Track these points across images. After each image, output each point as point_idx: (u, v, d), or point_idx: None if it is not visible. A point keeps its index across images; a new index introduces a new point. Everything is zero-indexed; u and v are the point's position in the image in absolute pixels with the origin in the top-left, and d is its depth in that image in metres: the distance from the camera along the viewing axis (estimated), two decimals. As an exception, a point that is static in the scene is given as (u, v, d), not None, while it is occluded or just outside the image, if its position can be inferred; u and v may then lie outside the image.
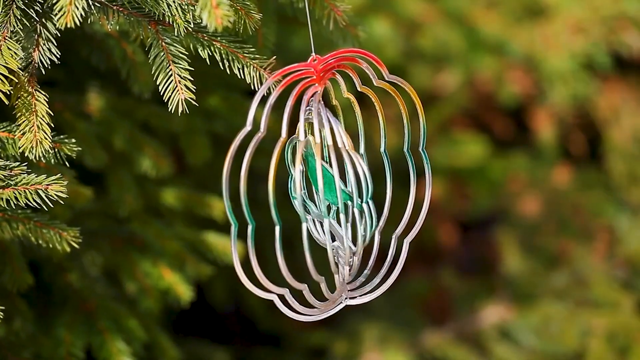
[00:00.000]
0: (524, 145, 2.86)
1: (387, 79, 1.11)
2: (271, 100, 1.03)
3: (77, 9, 1.06)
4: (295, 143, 1.11)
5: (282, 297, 1.09)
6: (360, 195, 1.09)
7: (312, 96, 1.07)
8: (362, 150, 1.13)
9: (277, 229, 1.02)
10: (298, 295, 1.10)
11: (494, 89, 2.75)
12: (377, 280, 1.15)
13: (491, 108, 2.89)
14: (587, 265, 2.45)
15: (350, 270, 1.12)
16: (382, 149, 1.15)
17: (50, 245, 1.22)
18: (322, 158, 1.08)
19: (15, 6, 1.13)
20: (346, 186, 1.10)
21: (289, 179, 1.12)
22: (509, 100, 2.72)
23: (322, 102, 1.08)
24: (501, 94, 2.71)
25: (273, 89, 1.05)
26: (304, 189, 1.12)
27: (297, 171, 1.04)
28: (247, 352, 2.35)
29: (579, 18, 2.65)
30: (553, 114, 2.81)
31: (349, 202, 1.10)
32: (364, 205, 1.10)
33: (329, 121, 1.07)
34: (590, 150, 2.88)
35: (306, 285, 1.08)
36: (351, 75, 1.10)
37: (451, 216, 2.85)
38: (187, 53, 1.13)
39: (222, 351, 2.06)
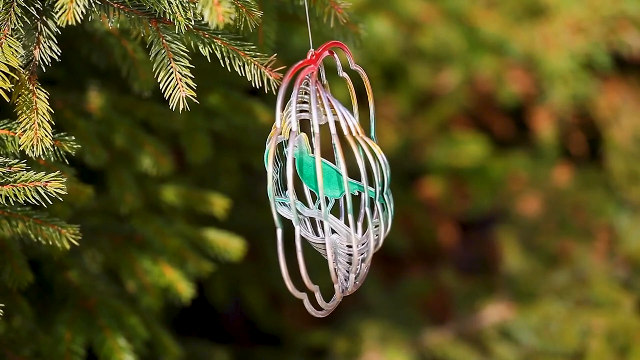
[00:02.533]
0: (524, 145, 2.86)
1: (352, 67, 1.12)
2: (294, 100, 1.03)
3: (78, 6, 1.06)
4: (282, 141, 1.08)
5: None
6: (373, 185, 1.06)
7: (308, 79, 1.06)
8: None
9: (279, 231, 1.01)
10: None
11: (494, 88, 2.75)
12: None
13: (491, 108, 2.89)
14: (587, 264, 2.45)
15: (356, 277, 1.09)
16: (372, 135, 1.14)
17: (50, 243, 1.22)
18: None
19: (16, 4, 1.13)
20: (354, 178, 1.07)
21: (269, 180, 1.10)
22: (509, 100, 2.72)
23: (320, 84, 1.07)
24: (501, 94, 2.71)
25: (275, 88, 1.05)
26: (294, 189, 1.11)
27: (289, 166, 1.02)
28: (247, 352, 2.35)
29: (579, 18, 2.65)
30: (553, 113, 2.81)
31: (355, 194, 1.07)
32: (385, 196, 1.07)
33: (330, 102, 1.06)
34: (590, 149, 2.88)
35: (318, 287, 1.06)
36: (336, 61, 1.10)
37: (451, 216, 2.85)
38: (187, 51, 1.13)
39: (222, 351, 2.06)
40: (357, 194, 1.08)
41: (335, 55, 1.10)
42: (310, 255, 1.07)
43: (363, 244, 1.08)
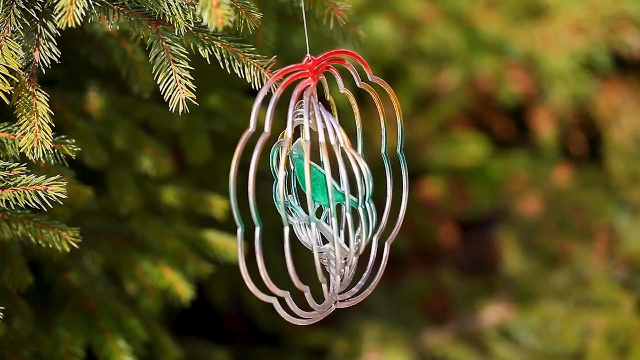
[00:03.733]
0: (524, 145, 2.86)
1: (370, 80, 1.10)
2: (273, 101, 1.02)
3: (78, 8, 1.06)
4: (281, 145, 1.09)
5: (281, 301, 1.08)
6: (357, 196, 1.06)
7: (305, 90, 1.06)
8: (360, 150, 1.11)
9: (286, 229, 1.01)
10: (297, 298, 1.09)
11: (494, 88, 2.75)
12: (361, 282, 1.13)
13: (491, 108, 2.89)
14: (587, 265, 2.45)
15: (342, 280, 1.09)
16: (382, 151, 1.13)
17: (50, 245, 1.22)
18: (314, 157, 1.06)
19: (15, 6, 1.13)
20: (340, 187, 1.06)
21: (274, 183, 1.10)
22: (509, 100, 2.72)
23: (316, 97, 1.07)
24: (501, 94, 2.71)
25: (274, 90, 1.05)
26: (296, 193, 1.11)
27: (280, 174, 1.03)
28: (247, 352, 2.35)
29: (579, 18, 2.65)
30: (553, 113, 2.81)
31: (344, 204, 1.06)
32: (360, 208, 1.07)
33: (322, 116, 1.05)
34: (591, 150, 2.88)
35: (308, 287, 1.07)
36: (350, 71, 1.09)
37: (451, 216, 2.85)
38: (187, 52, 1.13)
39: (222, 351, 2.06)
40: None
41: (351, 66, 1.09)
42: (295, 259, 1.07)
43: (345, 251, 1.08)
